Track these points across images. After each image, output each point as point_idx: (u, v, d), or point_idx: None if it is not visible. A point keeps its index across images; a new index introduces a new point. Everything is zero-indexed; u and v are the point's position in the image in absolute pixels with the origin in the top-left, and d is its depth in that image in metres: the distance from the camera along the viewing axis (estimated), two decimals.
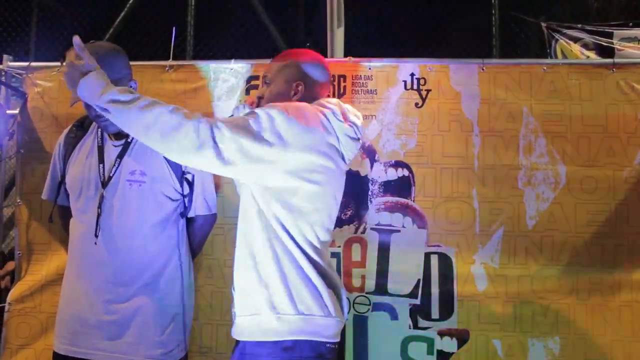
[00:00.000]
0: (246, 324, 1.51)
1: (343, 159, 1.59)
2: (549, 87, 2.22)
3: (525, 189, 2.20)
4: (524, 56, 4.74)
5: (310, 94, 1.64)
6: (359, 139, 1.63)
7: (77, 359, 1.86)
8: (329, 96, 1.80)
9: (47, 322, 2.26)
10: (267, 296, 1.47)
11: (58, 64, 2.38)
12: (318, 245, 1.52)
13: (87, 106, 1.87)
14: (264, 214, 1.49)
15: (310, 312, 1.46)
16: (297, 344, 1.44)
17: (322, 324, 1.47)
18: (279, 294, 1.46)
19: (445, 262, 2.20)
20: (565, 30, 4.34)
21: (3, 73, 2.40)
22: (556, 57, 4.27)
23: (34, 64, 2.42)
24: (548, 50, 4.39)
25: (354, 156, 1.67)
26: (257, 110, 1.49)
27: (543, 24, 4.45)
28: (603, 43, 4.17)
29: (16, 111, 2.38)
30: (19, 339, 2.31)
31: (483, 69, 2.25)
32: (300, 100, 1.62)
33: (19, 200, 2.37)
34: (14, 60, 2.44)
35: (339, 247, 2.22)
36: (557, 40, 4.35)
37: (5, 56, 2.43)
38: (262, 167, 1.45)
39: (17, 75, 2.42)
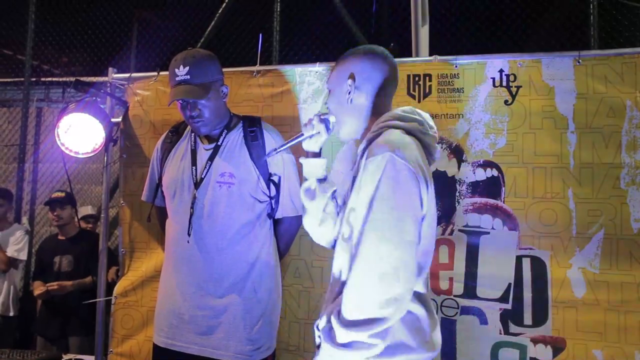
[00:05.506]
0: None
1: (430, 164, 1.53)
2: None
3: (629, 188, 2.04)
4: (627, 45, 4.37)
5: (370, 89, 1.54)
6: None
7: (174, 351, 1.98)
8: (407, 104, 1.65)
9: (147, 315, 2.42)
10: None
11: (155, 74, 2.54)
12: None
13: (183, 108, 1.98)
14: None
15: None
16: None
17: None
18: None
19: (538, 265, 2.10)
20: None
21: (108, 84, 2.60)
22: None
23: (134, 74, 2.60)
24: None
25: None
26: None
27: None
28: None
29: (119, 119, 2.57)
30: (124, 329, 2.50)
31: (579, 62, 2.12)
32: (360, 98, 1.53)
33: (122, 202, 2.56)
34: (117, 72, 2.63)
35: None
36: None
37: (110, 69, 2.62)
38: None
39: (120, 86, 2.61)
